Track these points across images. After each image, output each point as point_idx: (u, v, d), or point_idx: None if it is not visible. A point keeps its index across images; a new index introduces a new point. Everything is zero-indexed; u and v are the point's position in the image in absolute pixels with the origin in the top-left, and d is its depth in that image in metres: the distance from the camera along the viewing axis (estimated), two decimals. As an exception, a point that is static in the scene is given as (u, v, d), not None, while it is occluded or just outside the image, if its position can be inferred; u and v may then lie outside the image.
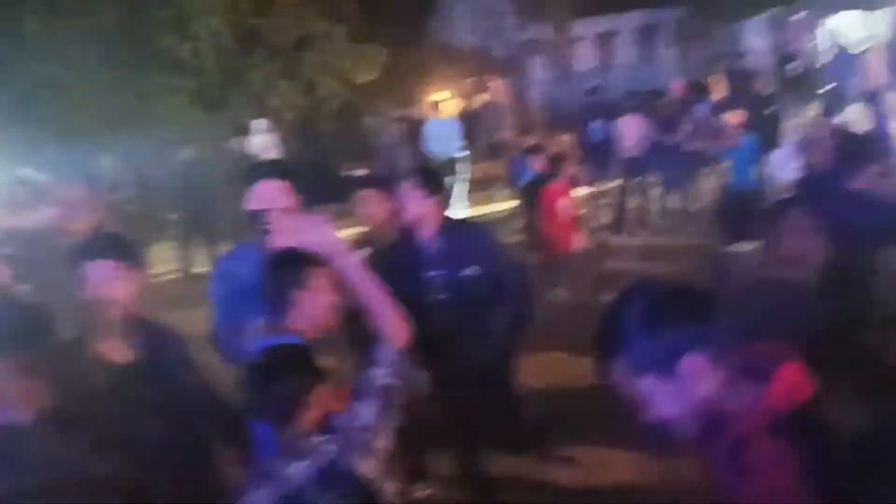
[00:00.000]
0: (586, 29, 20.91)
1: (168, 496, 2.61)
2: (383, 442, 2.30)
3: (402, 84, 16.50)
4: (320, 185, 4.61)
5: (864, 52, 13.28)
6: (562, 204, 7.37)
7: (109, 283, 2.68)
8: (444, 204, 3.98)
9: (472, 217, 10.54)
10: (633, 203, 10.35)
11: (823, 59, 13.93)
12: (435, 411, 3.98)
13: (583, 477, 4.36)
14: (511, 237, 8.87)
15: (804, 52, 14.43)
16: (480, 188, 13.54)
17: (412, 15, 17.72)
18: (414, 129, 13.70)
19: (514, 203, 10.31)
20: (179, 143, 11.35)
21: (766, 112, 9.23)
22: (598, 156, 11.01)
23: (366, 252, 3.45)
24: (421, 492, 4.14)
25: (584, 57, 21.49)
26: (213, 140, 12.05)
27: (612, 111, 11.00)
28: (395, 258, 3.85)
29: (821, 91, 11.13)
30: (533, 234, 8.04)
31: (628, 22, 21.73)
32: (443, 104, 14.42)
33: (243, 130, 12.61)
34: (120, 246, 2.85)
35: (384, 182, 4.53)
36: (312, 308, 2.70)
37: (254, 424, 2.49)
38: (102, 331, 2.66)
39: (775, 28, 17.44)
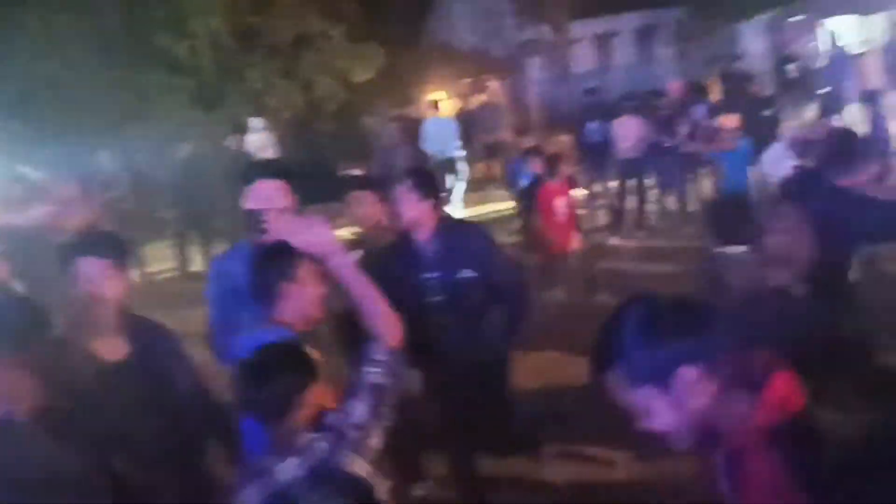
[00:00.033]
0: (584, 30, 20.89)
1: (160, 493, 2.61)
2: (374, 440, 2.30)
3: (400, 84, 16.51)
4: (317, 185, 4.60)
5: (861, 54, 13.33)
6: (559, 204, 7.37)
7: (100, 280, 2.67)
8: (440, 206, 3.97)
9: (469, 217, 10.54)
10: (630, 204, 10.35)
11: (821, 61, 13.95)
12: (429, 412, 3.99)
13: (576, 476, 4.36)
14: (508, 237, 8.87)
15: (802, 55, 14.45)
16: (478, 188, 13.55)
17: (411, 14, 17.73)
18: (411, 128, 13.69)
19: (511, 204, 10.31)
20: (177, 142, 11.35)
21: (763, 114, 9.24)
22: (596, 157, 11.03)
23: (359, 253, 3.45)
24: (416, 492, 4.14)
25: (583, 58, 21.48)
26: (210, 138, 12.03)
27: (609, 112, 11.01)
28: (392, 260, 3.85)
29: (818, 93, 11.14)
30: (530, 235, 8.04)
31: (627, 23, 21.71)
32: (441, 104, 14.42)
33: (241, 129, 12.60)
34: (111, 243, 2.85)
35: (378, 183, 4.53)
36: (300, 300, 2.71)
37: (244, 422, 2.49)
38: (94, 328, 2.66)
39: (773, 30, 17.45)
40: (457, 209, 11.97)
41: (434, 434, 4.07)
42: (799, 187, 4.58)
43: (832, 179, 4.08)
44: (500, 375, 4.12)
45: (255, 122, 13.30)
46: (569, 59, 20.96)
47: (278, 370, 2.28)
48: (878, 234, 4.04)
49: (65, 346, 2.58)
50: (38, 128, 12.05)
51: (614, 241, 9.71)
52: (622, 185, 10.43)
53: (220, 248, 8.18)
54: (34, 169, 9.32)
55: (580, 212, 7.72)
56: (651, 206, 10.49)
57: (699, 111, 10.11)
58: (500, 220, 10.50)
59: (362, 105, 15.68)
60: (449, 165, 12.59)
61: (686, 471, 1.82)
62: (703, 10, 19.18)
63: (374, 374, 2.36)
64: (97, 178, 10.32)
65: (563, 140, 12.34)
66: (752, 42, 18.20)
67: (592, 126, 11.32)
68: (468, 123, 14.07)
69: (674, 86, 12.03)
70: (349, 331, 2.79)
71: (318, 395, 2.30)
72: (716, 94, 11.40)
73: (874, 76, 11.70)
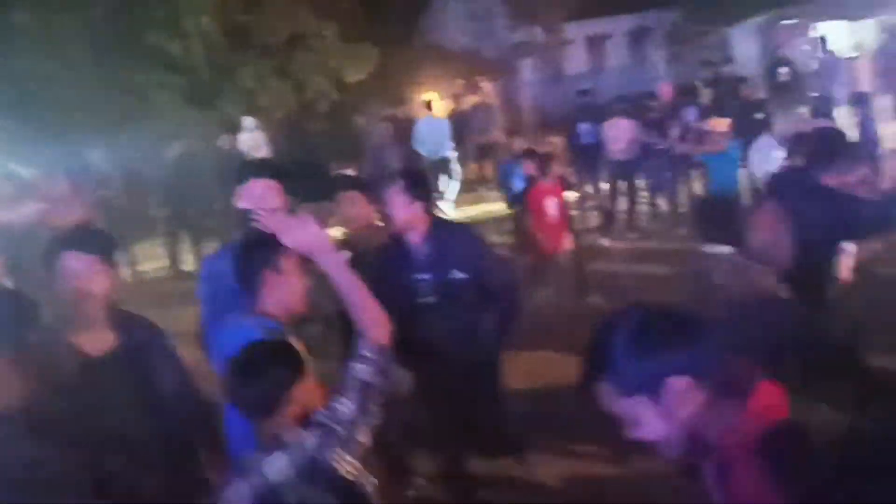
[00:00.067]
0: (577, 31, 20.95)
1: (146, 489, 2.61)
2: (363, 437, 2.32)
3: (393, 84, 16.52)
4: (309, 184, 4.62)
5: (851, 58, 13.40)
6: (550, 204, 7.38)
7: (87, 275, 2.67)
8: (432, 208, 3.98)
9: (461, 218, 10.55)
10: (621, 206, 10.39)
11: (812, 65, 14.02)
12: (420, 412, 4.01)
13: (566, 474, 4.38)
14: (500, 238, 8.89)
15: (794, 59, 14.53)
16: (470, 189, 13.57)
17: (404, 15, 17.74)
18: (404, 128, 13.70)
19: (502, 205, 10.33)
20: (169, 140, 11.33)
21: (755, 117, 9.29)
22: (588, 158, 11.05)
23: (350, 252, 3.46)
24: (407, 491, 4.15)
25: (575, 59, 21.53)
26: (202, 138, 12.02)
27: (601, 114, 11.04)
28: (384, 261, 3.86)
29: (809, 96, 11.20)
30: (521, 236, 8.05)
31: (619, 25, 21.78)
32: (433, 104, 14.43)
33: (233, 128, 12.59)
34: (97, 239, 2.85)
35: (368, 184, 4.54)
36: (283, 291, 2.75)
37: (231, 419, 2.49)
38: (79, 323, 2.66)
39: (765, 34, 17.53)
40: (449, 210, 11.99)
41: (425, 434, 4.08)
42: (783, 185, 4.62)
43: (817, 178, 4.11)
44: (490, 376, 4.13)
45: (248, 122, 13.28)
46: (561, 61, 21.01)
47: (267, 367, 2.30)
48: (858, 232, 4.09)
49: (51, 341, 2.58)
50: (30, 125, 12.00)
51: (605, 242, 9.74)
52: (613, 186, 10.47)
53: (211, 247, 8.18)
54: (26, 166, 9.31)
55: (572, 213, 7.73)
56: (642, 208, 10.53)
57: (690, 114, 10.16)
58: (492, 221, 10.52)
59: (355, 105, 15.68)
60: (441, 166, 12.60)
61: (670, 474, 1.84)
62: (695, 13, 19.25)
63: (362, 371, 2.37)
64: (89, 176, 10.30)
65: (555, 141, 12.36)
66: (744, 45, 18.27)
67: (584, 127, 11.34)
68: (461, 124, 14.08)
69: (665, 88, 12.08)
70: (344, 328, 2.81)
71: (306, 392, 2.31)
72: (707, 96, 11.45)
73: (864, 80, 11.78)
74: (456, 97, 17.74)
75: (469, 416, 3.97)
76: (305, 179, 4.54)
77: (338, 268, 2.48)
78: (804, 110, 10.21)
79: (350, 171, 9.50)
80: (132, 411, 2.67)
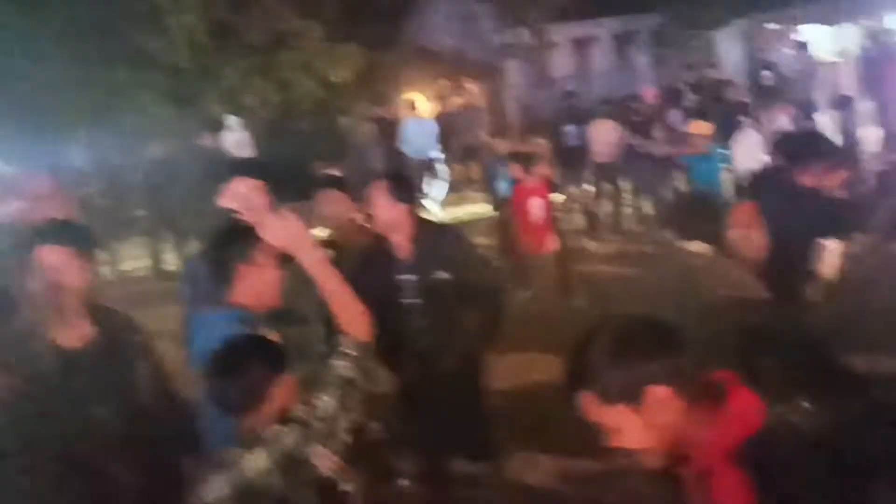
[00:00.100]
0: (563, 34, 20.99)
1: (122, 482, 2.60)
2: (342, 433, 2.32)
3: (379, 84, 16.47)
4: (293, 184, 4.60)
5: (834, 63, 13.51)
6: (534, 205, 7.39)
7: (62, 268, 2.66)
8: (416, 209, 3.97)
9: (447, 219, 10.55)
10: (605, 208, 10.42)
11: (795, 69, 14.12)
12: (402, 412, 4.01)
13: (546, 475, 4.39)
14: (485, 239, 8.89)
15: (777, 62, 14.64)
16: (455, 190, 13.57)
17: (389, 16, 17.71)
18: (389, 129, 13.68)
19: (488, 206, 10.34)
20: (151, 139, 11.26)
21: (738, 120, 9.34)
22: (572, 160, 11.08)
23: (331, 251, 3.45)
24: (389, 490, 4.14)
25: (561, 62, 21.58)
26: (185, 136, 11.95)
27: (586, 116, 11.07)
28: (368, 261, 3.85)
29: (792, 100, 11.28)
30: (506, 236, 8.07)
31: (605, 28, 21.85)
32: (419, 105, 14.42)
33: (216, 127, 12.53)
34: (73, 232, 2.83)
35: (348, 183, 4.53)
36: (256, 282, 2.73)
37: (208, 415, 2.48)
38: (56, 316, 2.64)
39: (749, 38, 17.63)
40: (436, 210, 11.99)
41: (406, 435, 4.08)
42: (762, 184, 4.68)
43: (794, 177, 4.16)
44: (473, 377, 4.12)
45: (231, 121, 13.22)
46: (547, 63, 21.05)
47: (247, 363, 2.29)
48: (833, 230, 4.16)
49: (26, 334, 2.58)
50: (10, 123, 11.90)
51: (589, 244, 9.76)
52: (598, 188, 10.49)
53: (193, 247, 8.14)
54: (6, 164, 9.22)
55: (556, 214, 7.74)
56: (626, 210, 10.56)
57: (674, 117, 10.21)
58: (478, 222, 10.52)
59: (340, 105, 15.63)
60: (427, 167, 12.60)
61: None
62: (680, 17, 19.36)
63: (342, 367, 2.38)
64: (70, 174, 10.23)
65: (541, 143, 12.39)
66: (728, 49, 18.37)
67: (569, 130, 11.38)
68: (447, 125, 14.08)
69: (649, 91, 12.14)
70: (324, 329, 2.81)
71: (285, 389, 2.31)
72: (691, 100, 11.52)
73: (847, 84, 11.88)
74: (442, 98, 17.73)
75: (450, 417, 3.96)
76: (289, 179, 4.52)
77: (318, 264, 2.48)
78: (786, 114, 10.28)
79: (332, 171, 9.47)
80: (108, 405, 2.65)
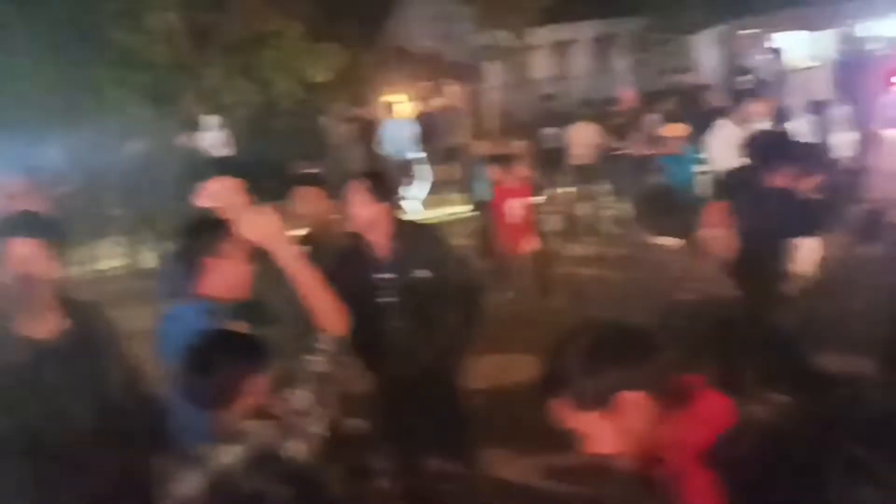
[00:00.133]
0: (543, 37, 21.05)
1: (91, 476, 2.59)
2: (317, 428, 2.32)
3: (358, 85, 16.45)
4: (272, 183, 4.59)
5: (809, 68, 13.68)
6: (513, 206, 7.42)
7: (32, 260, 2.65)
8: (394, 209, 3.97)
9: (427, 220, 10.55)
10: (584, 210, 10.47)
11: (771, 73, 14.27)
12: (380, 411, 4.01)
13: (524, 475, 4.41)
14: (465, 240, 8.90)
15: (753, 67, 14.79)
16: (435, 191, 13.58)
17: (370, 16, 17.69)
18: (369, 129, 13.67)
19: (468, 207, 10.36)
20: (129, 138, 11.18)
21: (715, 123, 9.41)
22: (551, 162, 11.13)
23: (308, 248, 3.45)
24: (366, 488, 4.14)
25: (541, 64, 21.65)
26: (163, 135, 11.87)
27: (565, 118, 11.12)
28: (345, 260, 3.85)
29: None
30: (486, 238, 8.09)
31: (584, 31, 21.94)
32: (399, 106, 14.43)
33: (195, 126, 12.46)
34: (43, 224, 2.82)
35: (325, 181, 4.53)
36: (224, 275, 2.74)
37: (180, 410, 2.48)
38: (26, 308, 2.63)
39: (726, 43, 17.80)
40: (417, 211, 11.99)
41: (383, 432, 4.09)
42: (733, 184, 4.75)
43: (765, 179, 4.22)
44: (450, 376, 4.14)
45: (211, 120, 13.13)
46: (527, 66, 21.11)
47: (223, 357, 2.29)
48: (800, 230, 4.23)
49: None
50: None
51: (568, 246, 9.80)
52: (577, 190, 10.54)
53: (171, 246, 8.07)
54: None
55: (535, 216, 7.77)
56: (605, 213, 10.61)
57: (651, 120, 10.27)
58: (458, 223, 10.53)
59: (320, 105, 15.59)
60: (407, 168, 12.60)
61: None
62: (658, 21, 19.50)
63: (318, 363, 2.39)
64: (46, 172, 10.13)
65: (520, 145, 12.43)
66: (706, 54, 18.54)
67: (549, 132, 11.42)
68: (426, 126, 14.09)
69: (627, 94, 12.22)
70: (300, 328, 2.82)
71: (261, 383, 2.31)
72: (669, 103, 11.59)
73: (821, 89, 12.02)
74: (422, 99, 17.74)
75: (428, 416, 3.98)
76: (268, 178, 4.51)
77: (294, 260, 2.49)
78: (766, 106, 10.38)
79: (309, 168, 9.46)
80: (79, 397, 2.65)
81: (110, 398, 2.75)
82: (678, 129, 8.09)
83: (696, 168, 7.63)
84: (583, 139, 10.22)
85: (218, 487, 2.15)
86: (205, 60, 13.63)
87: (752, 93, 12.43)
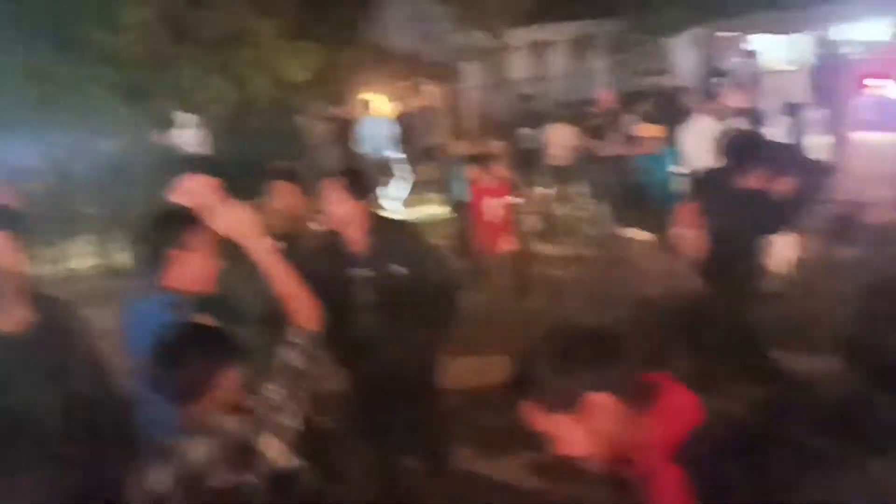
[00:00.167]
0: (521, 38, 21.10)
1: (58, 470, 2.55)
2: (290, 422, 2.31)
3: (337, 84, 16.38)
4: (247, 181, 4.55)
5: (784, 71, 13.82)
6: (491, 206, 7.42)
7: None
8: (371, 206, 3.95)
9: (404, 218, 10.53)
10: (561, 210, 10.49)
11: (747, 76, 14.39)
12: (354, 410, 4.00)
13: (500, 473, 4.40)
14: (442, 241, 8.89)
15: (729, 69, 14.92)
16: (413, 191, 13.56)
17: (348, 15, 17.62)
18: (347, 128, 13.63)
19: (446, 207, 10.35)
20: (102, 135, 11.06)
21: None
22: (529, 163, 11.15)
23: (282, 243, 3.44)
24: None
25: (519, 65, 21.71)
26: (137, 133, 11.76)
27: (543, 119, 11.15)
28: (321, 256, 3.83)
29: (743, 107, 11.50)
30: (463, 238, 8.08)
31: (563, 33, 22.02)
32: (377, 105, 14.39)
33: (170, 124, 12.35)
34: (9, 216, 2.81)
35: (300, 176, 4.52)
36: (189, 268, 2.74)
37: (148, 403, 2.44)
38: None
39: (703, 45, 17.95)
40: (398, 210, 11.97)
41: (357, 430, 4.07)
42: (704, 184, 4.80)
43: (737, 180, 4.26)
44: (426, 375, 4.13)
45: (186, 118, 13.03)
46: (505, 66, 21.15)
47: (193, 351, 2.26)
48: (770, 229, 4.27)
49: None
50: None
51: (544, 246, 9.81)
52: (553, 191, 10.56)
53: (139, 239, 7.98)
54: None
55: (512, 217, 7.77)
56: (582, 213, 10.64)
57: (628, 121, 10.32)
58: (436, 224, 10.52)
59: (297, 104, 15.51)
60: (385, 167, 12.57)
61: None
62: (636, 23, 19.62)
63: (291, 357, 2.38)
64: (16, 169, 10.01)
65: (498, 145, 12.45)
66: (683, 56, 18.67)
67: (526, 132, 11.44)
68: (405, 126, 14.07)
69: (604, 95, 12.27)
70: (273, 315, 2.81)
71: (233, 377, 2.29)
72: (647, 104, 11.65)
73: (796, 92, 12.15)
74: (400, 99, 17.72)
75: (402, 414, 3.96)
76: (244, 177, 4.47)
77: (268, 254, 2.47)
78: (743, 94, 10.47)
79: (283, 163, 9.41)
80: (46, 390, 2.61)
81: (78, 393, 2.71)
82: (654, 130, 8.13)
83: (673, 167, 7.66)
84: (560, 140, 10.24)
85: (188, 481, 2.13)
86: (180, 58, 13.50)
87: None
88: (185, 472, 2.14)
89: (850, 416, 1.18)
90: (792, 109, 10.39)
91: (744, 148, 4.43)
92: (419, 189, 13.86)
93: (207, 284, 2.78)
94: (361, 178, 4.06)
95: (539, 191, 11.23)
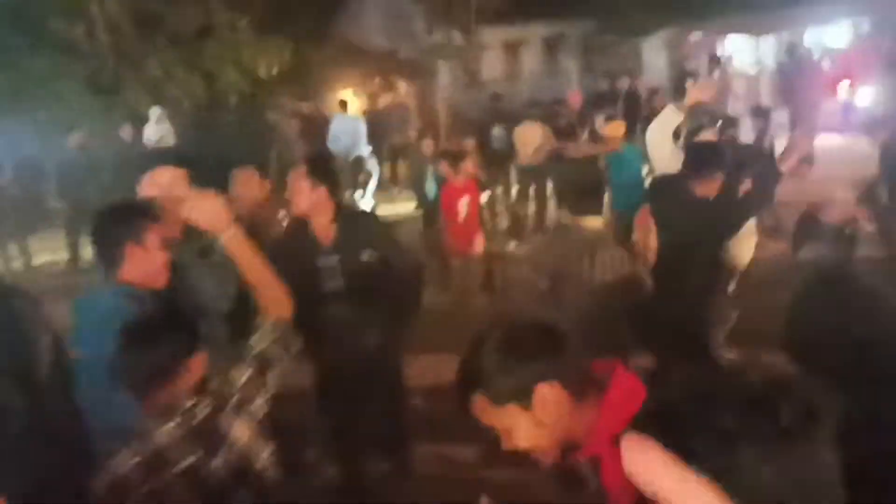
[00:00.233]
0: (493, 36, 21.15)
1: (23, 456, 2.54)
2: (258, 406, 2.33)
3: (307, 80, 16.32)
4: (216, 175, 4.55)
5: (753, 74, 14.00)
6: (461, 204, 7.43)
7: None
8: (336, 195, 3.96)
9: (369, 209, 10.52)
10: (530, 209, 10.54)
11: (717, 78, 14.57)
12: (320, 406, 4.00)
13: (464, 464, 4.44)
14: (411, 239, 8.90)
15: (699, 71, 15.10)
16: (383, 189, 13.56)
17: (319, 11, 17.55)
18: (317, 125, 13.58)
19: (416, 205, 10.36)
20: (69, 129, 10.92)
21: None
22: (499, 162, 11.19)
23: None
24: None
25: (491, 64, 21.76)
26: (105, 127, 11.63)
27: (514, 118, 11.19)
28: (288, 245, 3.84)
29: (712, 108, 11.63)
30: (433, 236, 8.09)
31: (535, 32, 22.10)
32: (348, 103, 14.36)
33: (138, 118, 12.24)
34: None
35: (261, 164, 4.54)
36: (144, 263, 2.74)
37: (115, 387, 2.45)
38: None
39: (673, 47, 18.13)
40: (367, 207, 11.95)
41: (323, 427, 4.08)
42: (658, 190, 4.87)
43: (688, 186, 4.32)
44: (392, 369, 4.15)
45: (155, 112, 12.90)
46: (478, 65, 21.20)
47: (164, 335, 2.27)
48: (722, 233, 4.35)
49: None
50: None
51: (514, 245, 9.86)
52: (523, 190, 10.61)
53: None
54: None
55: (482, 215, 7.79)
56: (551, 213, 10.70)
57: (599, 121, 10.40)
58: (405, 222, 10.53)
59: (267, 99, 15.43)
60: (356, 165, 12.55)
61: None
62: (608, 24, 19.76)
63: (261, 343, 2.41)
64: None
65: (469, 143, 12.49)
66: (654, 57, 18.84)
67: (497, 131, 11.48)
68: (376, 124, 14.05)
69: (574, 96, 12.35)
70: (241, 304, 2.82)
71: (200, 363, 2.29)
72: (617, 104, 11.76)
73: (765, 94, 12.33)
74: (372, 96, 17.68)
75: (367, 411, 3.98)
76: (212, 170, 4.47)
77: (240, 244, 2.48)
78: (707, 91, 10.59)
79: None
80: (7, 378, 2.60)
81: (39, 380, 2.70)
82: (616, 128, 8.19)
83: (639, 165, 7.74)
84: (530, 139, 10.28)
85: (153, 464, 2.14)
86: (150, 51, 13.38)
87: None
88: (149, 455, 2.14)
89: (769, 403, 1.21)
90: (760, 112, 10.53)
91: (702, 158, 4.48)
92: (389, 186, 13.86)
93: (161, 280, 2.78)
94: (325, 165, 4.08)
95: (509, 190, 11.29)
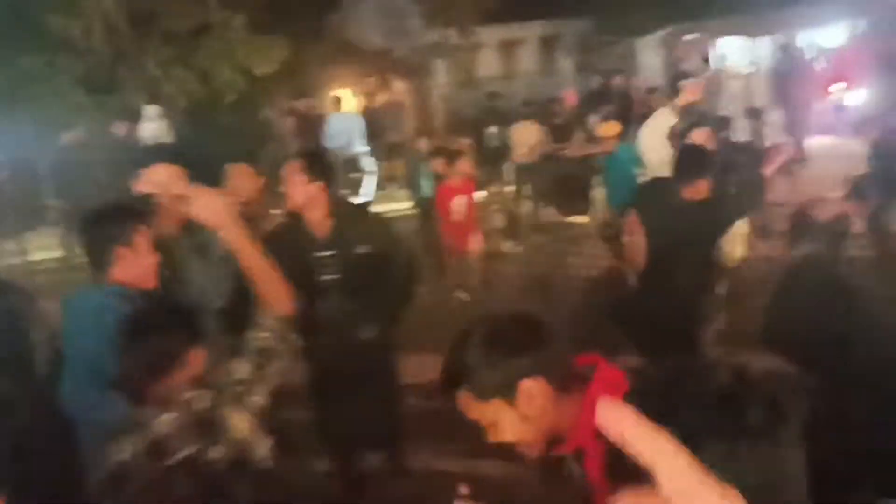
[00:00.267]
0: (489, 35, 21.17)
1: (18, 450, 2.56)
2: (258, 398, 2.34)
3: (304, 78, 16.31)
4: (212, 172, 4.56)
5: (747, 74, 14.04)
6: (457, 203, 7.46)
7: None
8: (332, 188, 3.98)
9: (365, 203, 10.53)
10: (525, 208, 10.56)
11: (711, 78, 14.60)
12: (314, 404, 4.02)
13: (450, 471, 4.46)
14: (407, 237, 8.91)
15: (694, 71, 15.12)
16: (379, 187, 13.56)
17: (316, 9, 17.53)
18: (314, 123, 13.59)
19: (412, 203, 10.38)
20: (65, 126, 10.91)
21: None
22: (495, 161, 11.21)
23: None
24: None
25: (487, 63, 21.78)
26: (101, 124, 11.62)
27: (509, 117, 11.21)
28: (284, 239, 3.86)
29: (706, 109, 11.67)
30: (429, 235, 8.12)
31: (531, 31, 22.12)
32: (344, 101, 14.36)
33: (133, 116, 12.23)
34: None
35: (256, 159, 4.55)
36: (133, 265, 2.78)
37: (100, 385, 2.46)
38: None
39: (668, 47, 18.14)
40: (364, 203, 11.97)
41: (318, 423, 4.10)
42: (646, 195, 4.90)
43: (677, 189, 4.35)
44: (386, 367, 4.17)
45: (150, 110, 12.90)
46: (474, 64, 21.21)
47: (163, 326, 2.29)
48: (707, 234, 4.39)
49: None
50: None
51: (509, 245, 9.89)
52: (518, 189, 10.63)
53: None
54: None
55: (479, 214, 7.82)
56: (546, 212, 10.71)
57: (593, 121, 10.43)
58: (401, 220, 10.54)
59: (263, 97, 15.42)
60: (352, 162, 12.56)
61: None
62: (604, 23, 19.79)
63: (261, 338, 2.42)
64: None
65: (465, 142, 12.50)
66: (649, 57, 18.85)
67: (492, 130, 11.50)
68: (372, 122, 14.06)
69: (570, 95, 12.37)
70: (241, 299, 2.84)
71: (199, 356, 2.32)
72: (612, 104, 11.78)
73: (758, 95, 12.37)
74: (368, 95, 17.68)
75: (362, 407, 4.00)
76: (209, 168, 4.48)
77: (242, 240, 2.50)
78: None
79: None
80: (5, 371, 2.62)
81: (36, 373, 2.72)
82: (611, 128, 8.22)
83: (633, 165, 7.77)
84: (525, 138, 10.29)
85: (152, 453, 2.15)
86: (145, 49, 13.36)
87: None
88: (148, 444, 2.17)
89: (737, 402, 1.22)
90: (754, 113, 10.58)
91: (690, 162, 4.51)
92: (385, 185, 13.86)
93: (150, 281, 2.81)
94: (320, 159, 4.10)
95: (505, 188, 11.31)
